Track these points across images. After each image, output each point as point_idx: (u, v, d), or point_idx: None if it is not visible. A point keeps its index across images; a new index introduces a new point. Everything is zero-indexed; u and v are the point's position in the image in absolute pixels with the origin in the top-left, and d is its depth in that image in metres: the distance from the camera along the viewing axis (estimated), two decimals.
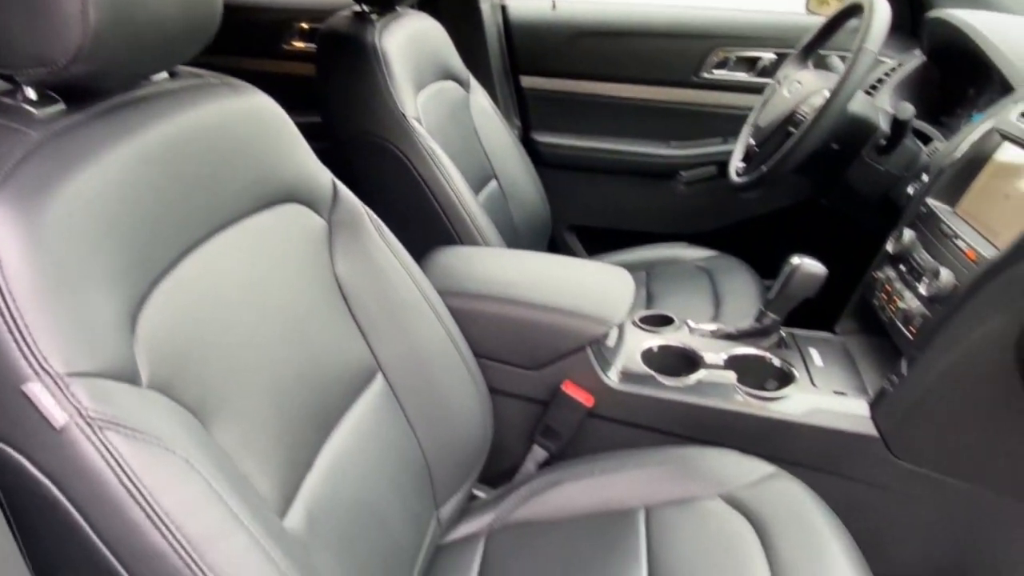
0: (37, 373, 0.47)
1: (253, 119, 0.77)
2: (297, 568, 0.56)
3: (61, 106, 0.58)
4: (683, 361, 1.13)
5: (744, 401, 1.06)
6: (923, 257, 1.06)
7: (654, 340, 1.16)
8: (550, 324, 1.06)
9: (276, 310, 0.74)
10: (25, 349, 0.47)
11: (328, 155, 0.98)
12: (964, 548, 1.05)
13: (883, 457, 1.02)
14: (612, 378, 1.08)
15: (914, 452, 1.01)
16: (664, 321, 1.22)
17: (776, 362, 1.13)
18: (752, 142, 1.46)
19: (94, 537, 0.48)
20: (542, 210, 1.75)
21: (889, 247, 1.16)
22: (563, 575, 0.90)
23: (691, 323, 1.21)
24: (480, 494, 1.09)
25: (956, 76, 1.44)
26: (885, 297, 1.12)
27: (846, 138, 1.30)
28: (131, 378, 0.53)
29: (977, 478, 1.00)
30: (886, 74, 1.56)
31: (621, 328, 1.17)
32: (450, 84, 1.55)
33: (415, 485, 0.91)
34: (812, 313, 1.24)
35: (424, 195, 1.30)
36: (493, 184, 1.61)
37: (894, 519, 1.05)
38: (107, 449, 0.48)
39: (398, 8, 1.44)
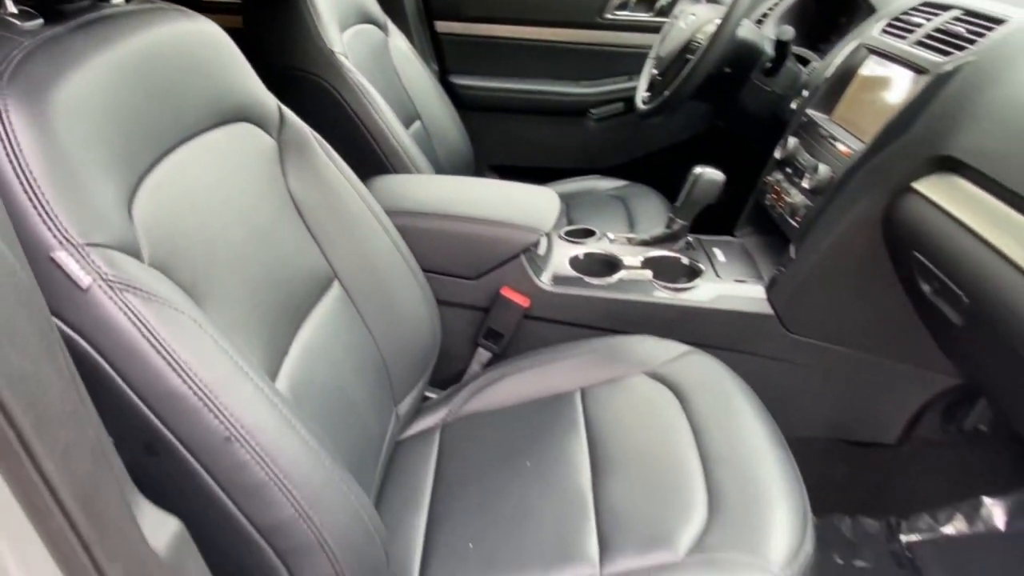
0: (61, 243, 0.54)
1: (207, 42, 0.83)
2: (297, 417, 0.65)
3: (40, 21, 0.63)
4: (605, 265, 1.26)
5: (660, 294, 1.20)
6: (805, 158, 1.23)
7: (579, 249, 1.29)
8: (487, 235, 1.17)
9: (240, 215, 0.81)
10: (48, 222, 0.54)
11: None
12: (849, 405, 1.24)
13: (778, 332, 1.18)
14: (545, 282, 1.20)
15: (804, 326, 1.18)
16: (587, 234, 1.34)
17: (685, 260, 1.28)
18: (655, 71, 1.60)
19: (121, 383, 0.55)
20: (464, 149, 1.84)
21: (777, 154, 1.32)
22: (514, 451, 1.01)
23: (611, 235, 1.35)
24: (432, 395, 1.19)
25: (831, 6, 1.62)
26: (775, 196, 1.28)
27: (737, 61, 1.44)
28: (136, 254, 0.60)
29: (857, 344, 1.18)
30: (770, 8, 1.72)
31: (549, 240, 1.29)
32: (369, 27, 1.61)
33: (376, 379, 1.01)
34: (715, 221, 1.40)
35: (357, 128, 1.36)
36: (417, 124, 1.68)
37: (792, 386, 1.22)
38: (127, 307, 0.55)
39: None
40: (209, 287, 0.70)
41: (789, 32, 1.39)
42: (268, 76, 0.95)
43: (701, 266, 1.26)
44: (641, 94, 1.62)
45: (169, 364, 0.56)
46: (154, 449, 0.58)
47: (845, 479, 1.31)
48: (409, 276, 1.06)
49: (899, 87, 1.13)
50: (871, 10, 1.38)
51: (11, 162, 0.53)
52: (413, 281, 1.07)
